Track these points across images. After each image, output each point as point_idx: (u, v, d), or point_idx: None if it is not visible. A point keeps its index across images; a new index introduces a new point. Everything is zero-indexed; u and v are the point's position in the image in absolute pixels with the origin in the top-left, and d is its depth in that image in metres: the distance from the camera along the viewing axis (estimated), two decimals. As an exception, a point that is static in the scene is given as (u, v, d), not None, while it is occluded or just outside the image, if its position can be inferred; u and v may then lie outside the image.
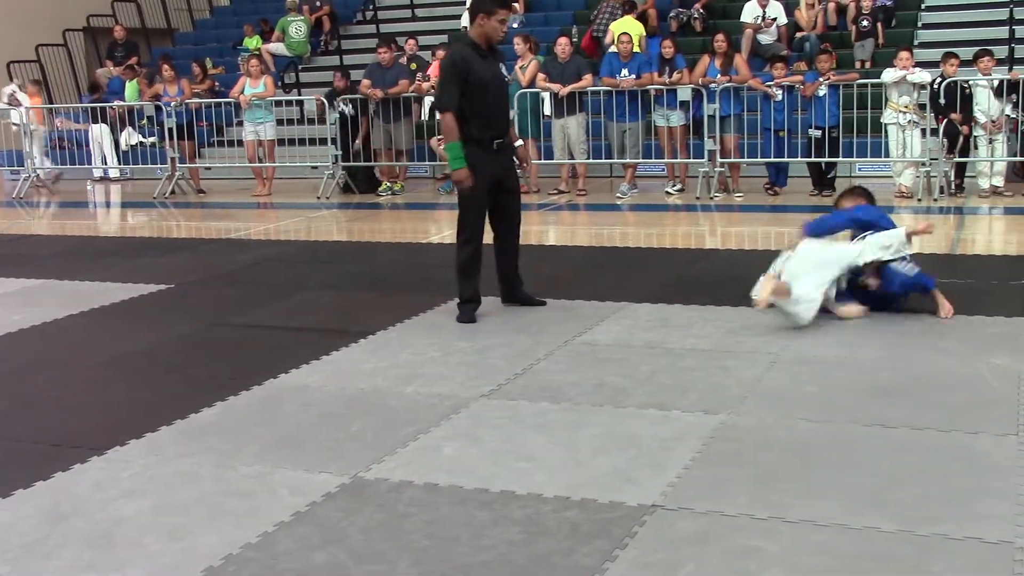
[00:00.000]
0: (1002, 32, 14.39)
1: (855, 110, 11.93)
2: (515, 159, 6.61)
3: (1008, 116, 11.27)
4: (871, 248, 6.04)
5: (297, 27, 18.09)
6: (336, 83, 14.02)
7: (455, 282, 6.46)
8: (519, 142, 6.78)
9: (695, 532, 3.41)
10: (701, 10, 15.75)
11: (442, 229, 10.89)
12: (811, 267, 5.95)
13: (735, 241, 9.63)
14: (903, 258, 6.04)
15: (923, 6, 15.79)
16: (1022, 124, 11.17)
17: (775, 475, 3.86)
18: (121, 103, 15.84)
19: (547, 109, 13.05)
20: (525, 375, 5.21)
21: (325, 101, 13.67)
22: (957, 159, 11.42)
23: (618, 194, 12.35)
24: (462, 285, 6.42)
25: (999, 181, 11.40)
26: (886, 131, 11.65)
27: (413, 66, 13.92)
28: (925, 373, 5.05)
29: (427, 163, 14.52)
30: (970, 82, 11.28)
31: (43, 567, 3.34)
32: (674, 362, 5.35)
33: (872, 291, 6.11)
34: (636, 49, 13.42)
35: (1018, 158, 11.33)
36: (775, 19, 14.73)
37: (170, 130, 14.27)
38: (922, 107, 11.40)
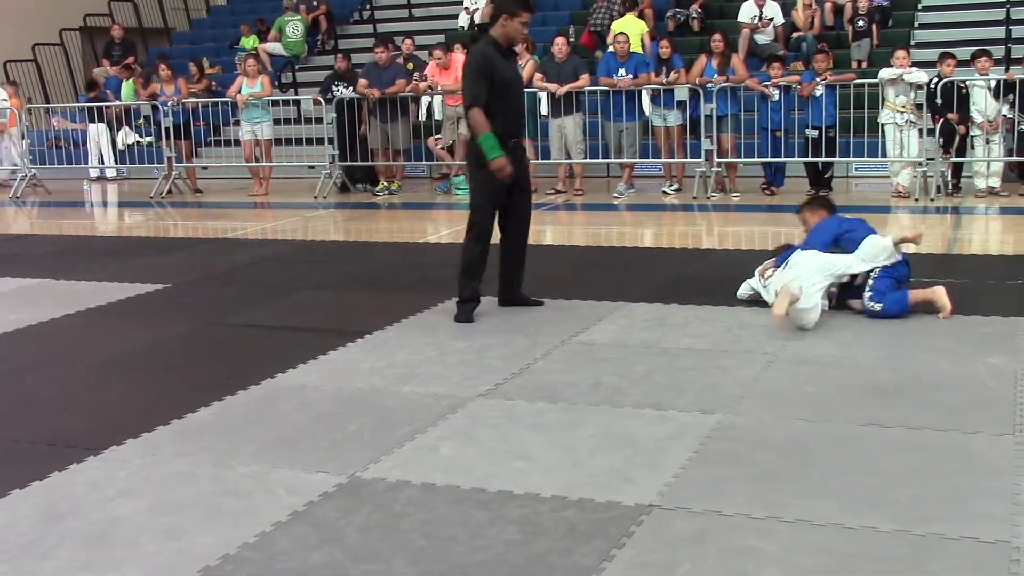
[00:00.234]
0: (998, 32, 14.40)
1: (852, 110, 11.94)
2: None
3: (1005, 116, 11.28)
4: (861, 259, 6.07)
5: (294, 27, 18.09)
6: (337, 64, 14.03)
7: (455, 280, 6.45)
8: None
9: (692, 532, 3.41)
10: (699, 10, 15.76)
11: (439, 229, 10.90)
12: (811, 272, 5.98)
13: (732, 241, 9.63)
14: (874, 286, 6.07)
15: (920, 6, 15.80)
16: (1019, 124, 11.18)
17: (772, 475, 3.86)
18: (118, 102, 15.82)
19: (544, 109, 13.06)
20: (522, 375, 5.21)
21: (322, 100, 13.65)
22: (954, 159, 11.42)
23: (615, 194, 12.36)
24: (464, 284, 6.42)
25: (995, 182, 11.41)
26: (883, 131, 11.66)
27: (410, 66, 13.92)
28: (922, 373, 5.05)
29: (424, 163, 14.52)
30: (967, 82, 11.29)
31: (40, 567, 3.34)
32: (671, 362, 5.35)
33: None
34: (638, 47, 13.45)
35: (1014, 158, 11.34)
36: (772, 19, 14.74)
37: (167, 129, 14.26)
38: (919, 107, 11.41)
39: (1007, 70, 11.88)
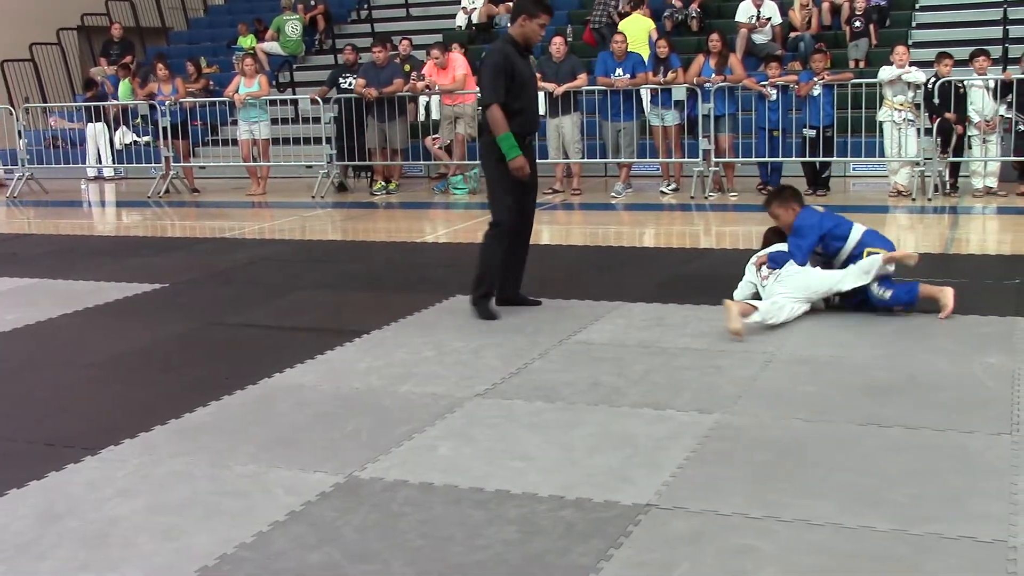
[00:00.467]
0: (996, 32, 14.41)
1: (849, 110, 11.95)
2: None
3: (1002, 116, 11.28)
4: (852, 276, 6.06)
5: (292, 26, 18.08)
6: (345, 56, 14.04)
7: (473, 281, 6.44)
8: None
9: (690, 531, 3.41)
10: (697, 9, 15.77)
11: (436, 228, 10.90)
12: (799, 291, 6.00)
13: (730, 241, 9.64)
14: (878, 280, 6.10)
15: (917, 6, 15.81)
16: (1017, 124, 11.18)
17: (770, 474, 3.86)
18: (115, 102, 15.82)
19: (541, 108, 13.04)
20: (520, 374, 5.21)
21: (320, 99, 13.65)
22: (951, 159, 11.43)
23: (612, 194, 12.36)
24: (488, 280, 6.43)
25: (992, 182, 11.42)
26: (881, 129, 11.66)
27: (407, 68, 13.92)
28: (920, 372, 5.05)
29: (422, 162, 14.52)
30: (964, 82, 11.30)
31: (37, 567, 3.34)
32: (669, 361, 5.36)
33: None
34: (645, 45, 13.44)
35: (1012, 158, 11.34)
36: (769, 19, 14.75)
37: (164, 129, 14.26)
38: (917, 107, 11.42)
39: (1004, 70, 11.89)
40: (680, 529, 3.43)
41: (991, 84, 11.26)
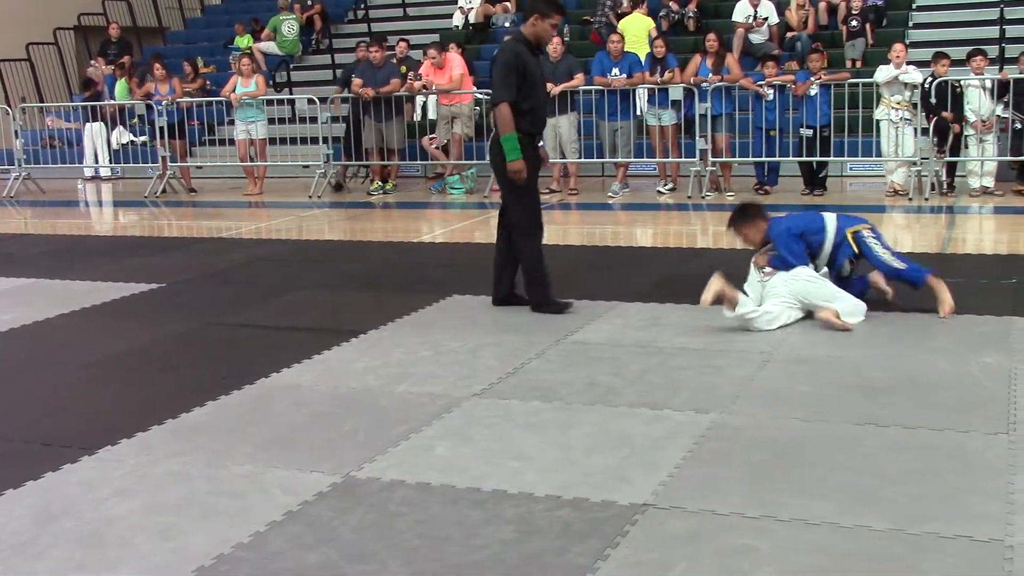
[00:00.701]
0: (992, 32, 14.42)
1: (846, 109, 11.95)
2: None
3: (999, 116, 11.29)
4: (846, 303, 5.98)
5: (289, 26, 18.07)
6: (359, 53, 14.03)
7: (530, 289, 6.49)
8: (541, 142, 6.83)
9: (687, 531, 3.41)
10: (695, 9, 15.77)
11: (434, 228, 10.90)
12: (793, 293, 5.97)
13: (727, 240, 9.60)
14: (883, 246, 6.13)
15: (914, 6, 15.82)
16: (1014, 124, 11.19)
17: (767, 474, 3.86)
18: (111, 101, 15.81)
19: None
20: (517, 374, 5.21)
21: (317, 100, 13.66)
22: (948, 158, 11.44)
23: (609, 193, 12.36)
24: (542, 280, 6.46)
25: (989, 181, 11.42)
26: (878, 128, 11.67)
27: (403, 69, 13.91)
28: (917, 372, 5.05)
29: (419, 162, 14.51)
30: (961, 81, 11.31)
31: (33, 567, 3.33)
32: (665, 361, 5.36)
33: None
34: (645, 44, 13.45)
35: (1008, 158, 11.35)
36: (766, 18, 14.75)
37: (161, 129, 14.25)
38: (914, 106, 11.42)
39: (1001, 70, 11.90)
40: (677, 529, 3.43)
41: (988, 84, 11.27)
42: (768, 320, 5.84)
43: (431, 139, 13.77)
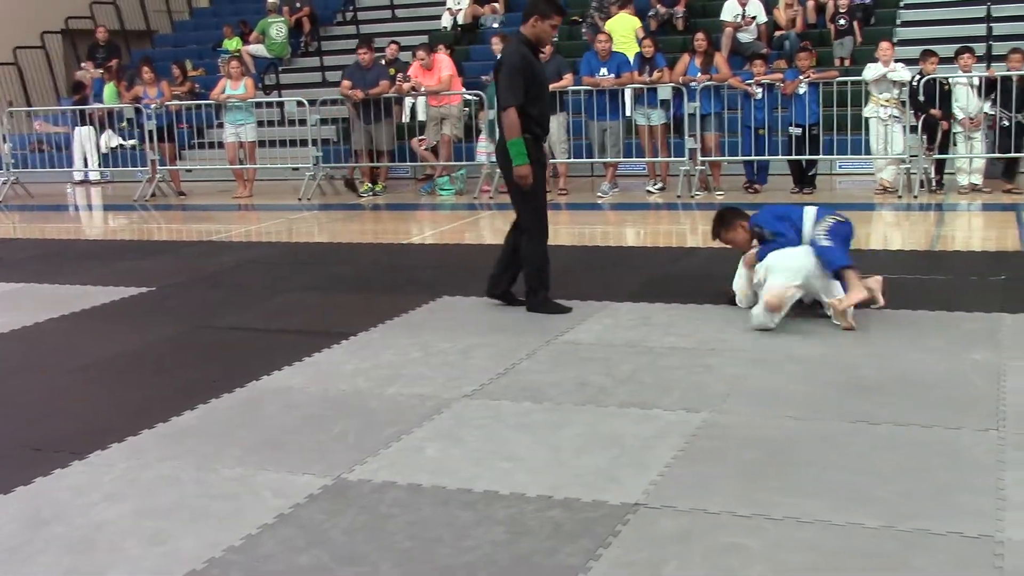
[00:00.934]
0: (980, 29, 14.46)
1: (835, 107, 11.98)
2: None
3: (986, 113, 11.32)
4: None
5: (277, 28, 18.04)
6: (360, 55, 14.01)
7: (532, 290, 6.49)
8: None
9: (678, 530, 3.41)
10: (683, 9, 15.79)
11: (423, 230, 10.89)
12: (784, 277, 5.93)
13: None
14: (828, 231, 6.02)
15: (902, 4, 15.85)
16: (1001, 121, 11.22)
17: (758, 473, 3.87)
18: (100, 105, 15.78)
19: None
20: (507, 375, 5.21)
21: (306, 103, 13.64)
22: (937, 156, 11.47)
23: (599, 193, 12.36)
24: (542, 283, 6.47)
25: (978, 178, 11.45)
26: (867, 125, 11.69)
27: (392, 71, 13.90)
28: (907, 370, 5.07)
29: (408, 164, 14.50)
30: (949, 79, 11.34)
31: (23, 572, 3.32)
32: (656, 361, 5.36)
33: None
34: (633, 44, 13.45)
35: (996, 155, 11.38)
36: (755, 17, 14.77)
37: (150, 132, 14.22)
38: (903, 104, 11.45)
39: (988, 67, 11.93)
40: (668, 528, 3.44)
41: (976, 81, 11.30)
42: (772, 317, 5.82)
43: (420, 140, 13.76)
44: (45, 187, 15.70)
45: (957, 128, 11.37)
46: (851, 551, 3.23)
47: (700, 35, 12.37)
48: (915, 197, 11.13)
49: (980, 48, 13.42)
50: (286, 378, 5.32)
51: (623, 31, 13.99)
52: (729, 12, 14.77)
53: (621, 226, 10.77)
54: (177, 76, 15.24)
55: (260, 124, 14.30)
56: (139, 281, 7.95)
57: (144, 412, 4.81)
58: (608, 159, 12.53)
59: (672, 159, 12.48)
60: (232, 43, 18.25)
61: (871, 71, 11.47)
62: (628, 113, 12.71)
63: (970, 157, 11.44)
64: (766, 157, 12.08)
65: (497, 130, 6.47)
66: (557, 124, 12.43)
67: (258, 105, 14.39)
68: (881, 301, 6.11)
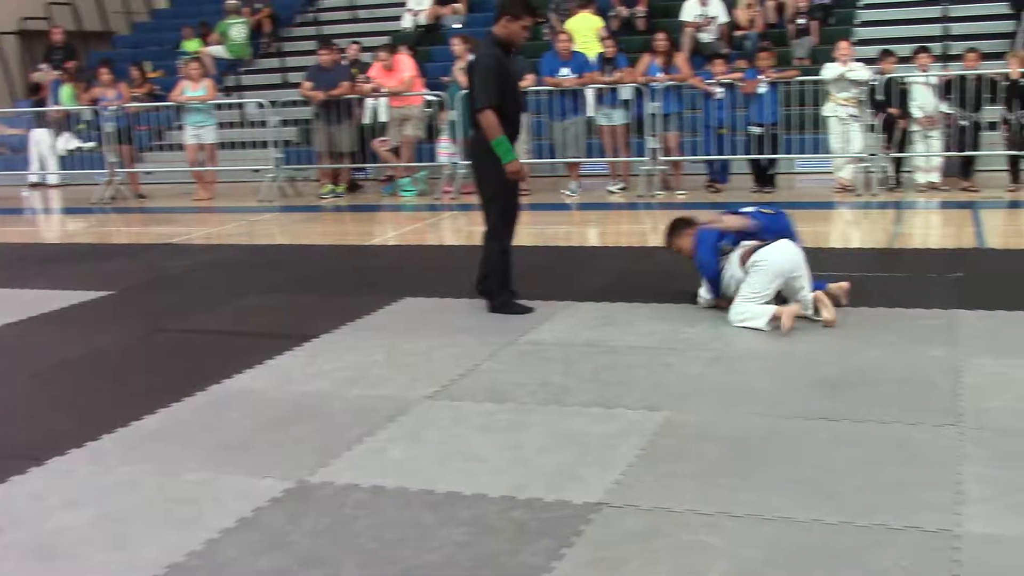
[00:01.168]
0: (937, 29, 14.61)
1: (795, 107, 12.06)
2: None
3: (944, 112, 11.44)
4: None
5: (237, 30, 17.93)
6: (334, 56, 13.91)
7: (493, 292, 6.49)
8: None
9: (641, 529, 3.43)
10: (644, 9, 15.84)
11: (386, 231, 10.86)
12: (758, 283, 5.96)
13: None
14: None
15: (860, 4, 15.98)
16: (958, 120, 11.34)
17: (719, 470, 3.89)
18: (57, 107, 15.62)
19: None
20: (470, 376, 5.21)
21: (266, 104, 13.58)
22: (895, 154, 11.58)
23: (568, 192, 12.38)
24: (504, 283, 6.49)
25: (935, 177, 11.57)
26: (827, 124, 11.78)
27: (354, 71, 13.85)
28: (866, 366, 5.11)
29: (369, 165, 14.44)
30: (906, 78, 11.45)
31: (-18, 580, 3.29)
32: (618, 360, 5.38)
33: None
34: (595, 44, 13.46)
35: (953, 153, 11.50)
36: (715, 17, 14.83)
37: (108, 134, 14.10)
38: (861, 103, 11.55)
39: (945, 66, 12.05)
40: (631, 527, 3.45)
41: (933, 80, 11.42)
42: (755, 314, 5.85)
43: (382, 142, 13.71)
44: (1, 190, 15.51)
45: (915, 127, 11.48)
46: (811, 547, 3.26)
47: (661, 35, 12.42)
48: (874, 195, 11.23)
49: (937, 48, 13.56)
50: (248, 381, 5.30)
51: (585, 31, 14.01)
52: (690, 12, 14.82)
53: (583, 226, 10.79)
54: (136, 78, 15.10)
55: (221, 126, 14.21)
56: (98, 285, 7.88)
57: (104, 417, 4.77)
58: (570, 159, 12.54)
59: (633, 159, 12.51)
60: (192, 44, 18.11)
61: (830, 71, 11.56)
62: (591, 113, 12.73)
63: (928, 156, 11.55)
64: (727, 156, 12.15)
65: (465, 130, 6.47)
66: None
67: (218, 107, 14.30)
68: (827, 316, 5.96)
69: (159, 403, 4.93)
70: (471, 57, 12.87)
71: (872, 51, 12.66)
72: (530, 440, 4.29)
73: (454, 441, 4.32)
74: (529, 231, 10.48)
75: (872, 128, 11.58)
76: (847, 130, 11.60)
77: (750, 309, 5.84)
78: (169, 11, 22.08)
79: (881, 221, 10.17)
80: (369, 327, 6.30)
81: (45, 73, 17.58)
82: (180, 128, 14.46)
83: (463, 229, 10.70)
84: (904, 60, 11.85)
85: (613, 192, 12.41)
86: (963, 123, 11.32)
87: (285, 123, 14.22)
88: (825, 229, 9.72)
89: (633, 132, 12.49)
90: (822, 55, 13.54)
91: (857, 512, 3.47)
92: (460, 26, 16.61)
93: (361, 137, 13.41)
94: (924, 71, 11.42)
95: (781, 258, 5.91)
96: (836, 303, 6.05)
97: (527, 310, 6.41)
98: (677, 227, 6.60)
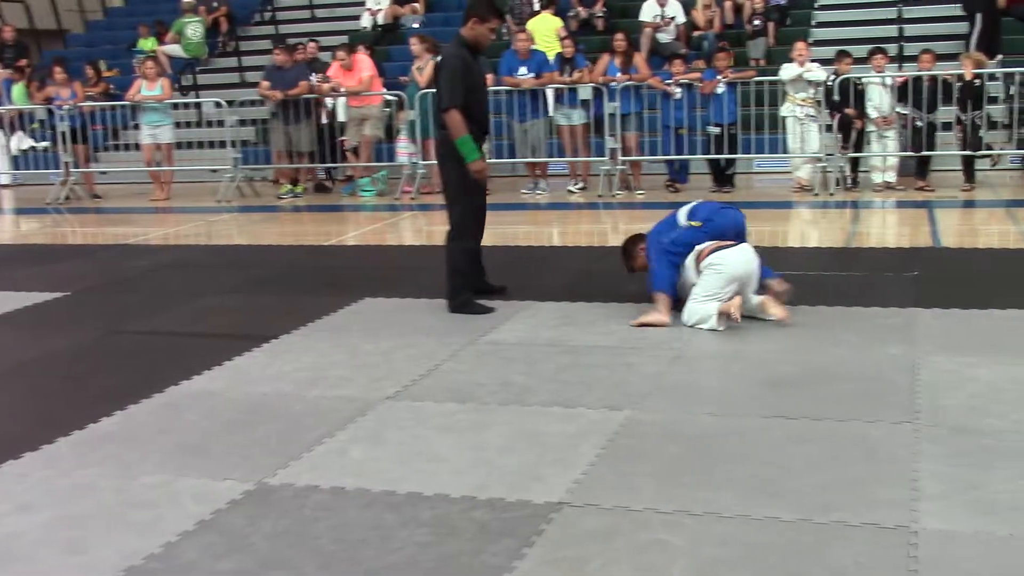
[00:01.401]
0: (892, 31, 14.76)
1: (753, 107, 12.14)
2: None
3: (899, 113, 11.56)
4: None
5: (193, 28, 17.79)
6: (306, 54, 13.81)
7: (449, 289, 6.51)
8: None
9: (602, 528, 3.44)
10: (603, 9, 15.89)
11: (345, 231, 10.82)
12: (714, 281, 5.96)
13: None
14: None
15: (816, 5, 16.12)
16: (914, 120, 11.45)
17: (679, 469, 3.91)
18: (10, 107, 15.43)
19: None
20: (431, 376, 5.20)
21: (224, 103, 13.49)
22: (851, 154, 11.69)
23: (538, 192, 12.40)
24: (463, 284, 6.51)
25: (891, 176, 11.69)
26: (784, 124, 11.87)
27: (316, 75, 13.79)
28: (823, 364, 5.15)
29: (328, 165, 14.38)
30: (863, 79, 11.56)
31: (-65, 586, 3.24)
32: (578, 359, 5.39)
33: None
34: (555, 44, 13.47)
35: (909, 154, 11.62)
36: (673, 18, 14.90)
37: (63, 134, 13.95)
38: (818, 103, 11.65)
39: (900, 67, 12.17)
40: (592, 526, 3.46)
41: (888, 81, 11.53)
42: (706, 315, 5.86)
43: (341, 141, 13.67)
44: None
45: (871, 127, 11.60)
46: (769, 544, 3.28)
47: (619, 35, 12.47)
48: (831, 195, 11.32)
49: (893, 49, 13.70)
50: (206, 382, 5.25)
51: (544, 31, 14.03)
52: (648, 13, 14.88)
53: (543, 226, 10.80)
54: (91, 77, 14.94)
55: (177, 125, 14.11)
56: (53, 286, 7.79)
57: (59, 419, 4.72)
58: (530, 158, 12.55)
59: (593, 159, 12.55)
60: (147, 43, 17.95)
61: (787, 71, 11.66)
62: (551, 113, 12.75)
63: (884, 155, 11.67)
64: (686, 156, 12.21)
65: (425, 131, 6.46)
66: (478, 124, 12.43)
67: (175, 106, 14.20)
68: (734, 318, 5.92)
69: (116, 405, 4.88)
70: (430, 57, 12.95)
71: (829, 52, 12.77)
72: (491, 440, 4.29)
73: (415, 442, 4.31)
74: (489, 231, 10.45)
75: (829, 128, 11.68)
76: (805, 130, 11.70)
77: (702, 309, 5.87)
78: (124, 9, 21.88)
79: (838, 220, 10.27)
80: (329, 328, 6.28)
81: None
82: (136, 127, 14.33)
83: (423, 229, 10.69)
84: (860, 61, 11.97)
85: (573, 192, 12.44)
86: (919, 124, 11.44)
87: (243, 123, 14.13)
88: (783, 228, 9.80)
89: (592, 132, 12.52)
90: (778, 56, 13.65)
91: (815, 509, 3.50)
92: (419, 26, 16.59)
93: (320, 136, 13.36)
94: (880, 72, 11.53)
95: (740, 263, 5.94)
96: (778, 298, 6.06)
97: (488, 310, 6.41)
98: (628, 250, 6.64)
